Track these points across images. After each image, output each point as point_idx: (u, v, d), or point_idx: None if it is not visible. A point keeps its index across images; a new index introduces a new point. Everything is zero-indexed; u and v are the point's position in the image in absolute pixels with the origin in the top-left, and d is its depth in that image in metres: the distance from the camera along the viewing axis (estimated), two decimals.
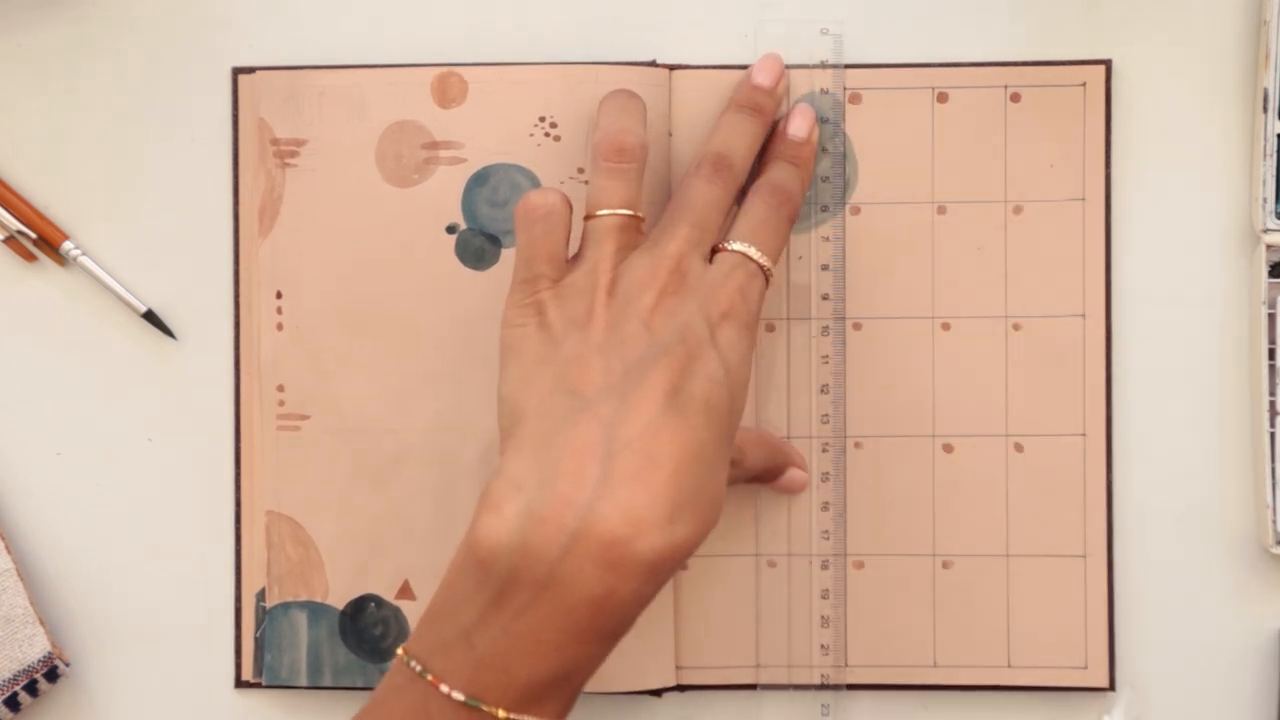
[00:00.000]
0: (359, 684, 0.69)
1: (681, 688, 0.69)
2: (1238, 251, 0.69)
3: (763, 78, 0.67)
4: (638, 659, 0.68)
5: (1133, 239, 0.69)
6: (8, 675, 0.68)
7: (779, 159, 0.66)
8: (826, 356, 0.69)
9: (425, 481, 0.69)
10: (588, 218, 0.62)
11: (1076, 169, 0.69)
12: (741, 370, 0.60)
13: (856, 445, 0.69)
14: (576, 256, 0.62)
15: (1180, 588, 0.69)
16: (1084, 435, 0.69)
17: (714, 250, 0.62)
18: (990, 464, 0.69)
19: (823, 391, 0.69)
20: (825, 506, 0.69)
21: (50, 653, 0.68)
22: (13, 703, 0.68)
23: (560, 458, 0.56)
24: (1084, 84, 0.68)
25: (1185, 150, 0.69)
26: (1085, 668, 0.69)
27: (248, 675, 0.70)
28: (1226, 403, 0.69)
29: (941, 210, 0.69)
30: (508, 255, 0.68)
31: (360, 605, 0.69)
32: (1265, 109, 0.68)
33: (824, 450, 0.69)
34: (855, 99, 0.69)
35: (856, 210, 0.69)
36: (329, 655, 0.69)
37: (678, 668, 0.69)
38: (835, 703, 0.69)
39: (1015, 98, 0.69)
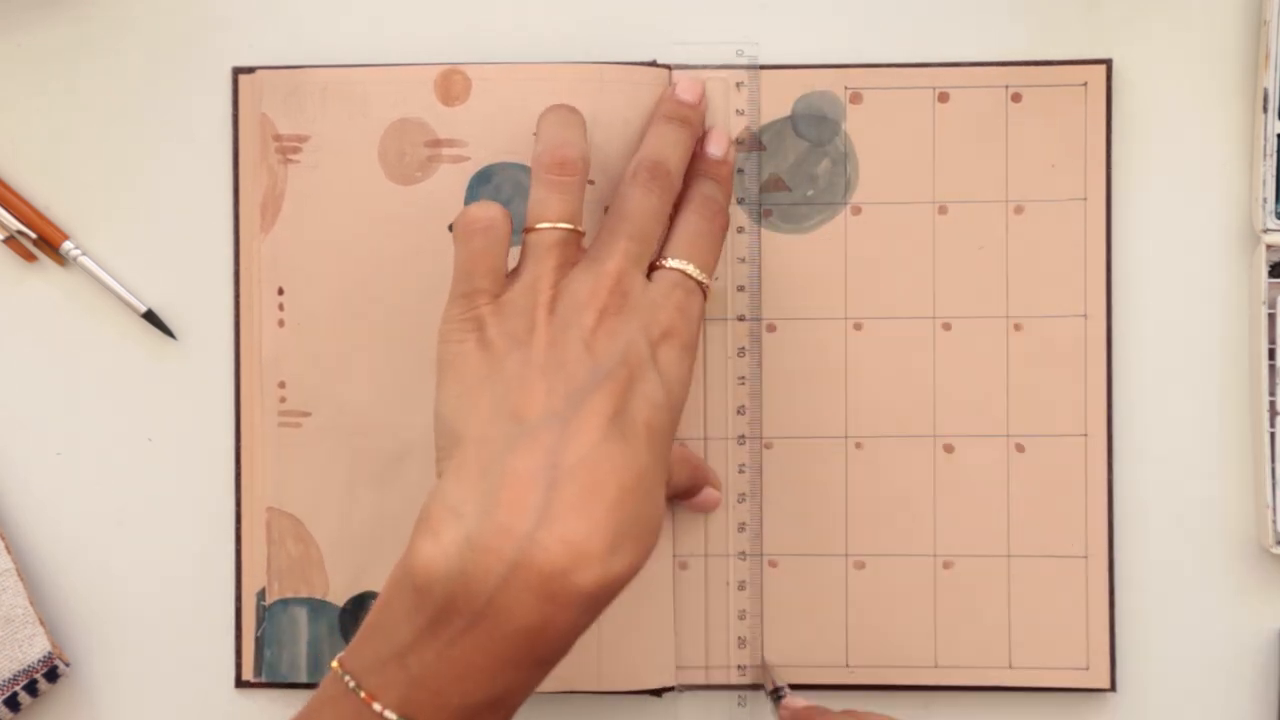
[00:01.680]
0: None
1: (682, 687, 0.69)
2: (1238, 251, 0.69)
3: (686, 95, 0.66)
4: (638, 659, 0.68)
5: (1133, 239, 0.69)
6: (8, 675, 0.68)
7: (702, 176, 0.66)
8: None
9: (426, 479, 0.68)
10: (527, 230, 0.61)
11: (1078, 169, 0.69)
12: (680, 391, 0.60)
13: (857, 445, 0.69)
14: (515, 271, 0.61)
15: (1180, 588, 0.69)
16: (1085, 435, 0.69)
17: (652, 266, 0.62)
18: (991, 464, 0.69)
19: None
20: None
21: (50, 653, 0.68)
22: (13, 703, 0.68)
23: (501, 486, 0.55)
24: (1085, 84, 0.68)
25: (1185, 150, 0.69)
26: (1086, 668, 0.68)
27: (248, 675, 0.69)
28: (1226, 403, 0.69)
29: (943, 210, 0.69)
30: (511, 254, 0.68)
31: (360, 602, 0.69)
32: (1265, 109, 0.68)
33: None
34: (855, 99, 0.69)
35: (857, 210, 0.69)
36: (329, 652, 0.69)
37: (678, 668, 0.69)
38: (754, 700, 0.69)
39: (1016, 98, 0.69)
